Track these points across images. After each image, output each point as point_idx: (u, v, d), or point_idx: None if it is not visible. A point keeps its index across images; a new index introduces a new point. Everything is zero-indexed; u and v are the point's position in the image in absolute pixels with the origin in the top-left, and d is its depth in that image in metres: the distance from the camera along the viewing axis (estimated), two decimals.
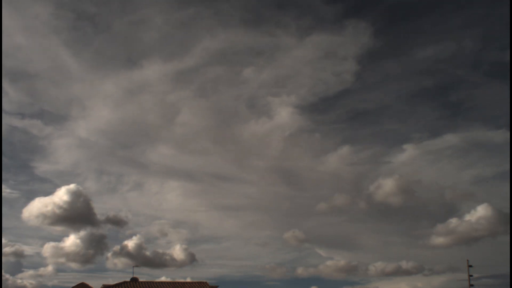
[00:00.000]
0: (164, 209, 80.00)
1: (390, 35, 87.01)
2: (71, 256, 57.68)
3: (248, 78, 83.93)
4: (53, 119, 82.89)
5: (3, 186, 59.94)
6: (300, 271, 70.69)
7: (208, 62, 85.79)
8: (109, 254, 60.25)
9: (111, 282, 41.33)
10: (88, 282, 45.54)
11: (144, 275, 50.82)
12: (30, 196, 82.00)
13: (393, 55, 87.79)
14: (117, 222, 67.38)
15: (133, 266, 44.16)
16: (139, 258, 58.80)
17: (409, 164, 78.83)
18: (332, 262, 70.58)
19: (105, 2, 79.63)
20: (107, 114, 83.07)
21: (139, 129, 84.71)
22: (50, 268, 62.69)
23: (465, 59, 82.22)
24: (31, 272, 63.05)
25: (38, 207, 59.47)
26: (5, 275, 52.79)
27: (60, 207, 58.70)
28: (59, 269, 63.14)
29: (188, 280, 44.68)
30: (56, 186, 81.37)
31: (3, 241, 47.21)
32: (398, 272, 66.24)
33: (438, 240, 66.32)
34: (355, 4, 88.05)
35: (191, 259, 62.88)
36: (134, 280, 41.89)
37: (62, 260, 59.28)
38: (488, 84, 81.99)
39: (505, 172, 72.78)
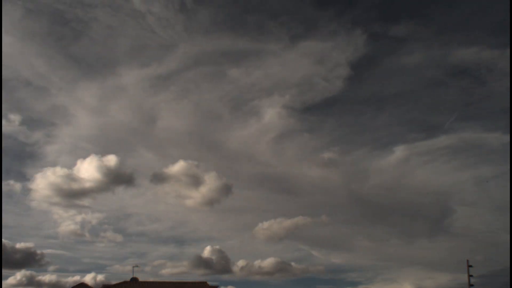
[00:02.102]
0: (162, 211, 79.87)
1: (382, 40, 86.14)
2: None
3: (233, 81, 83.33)
4: (38, 126, 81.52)
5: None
6: (296, 271, 70.92)
7: (191, 66, 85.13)
8: None
9: None
10: None
11: None
12: None
13: (385, 60, 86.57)
14: None
15: (133, 266, 44.29)
16: None
17: (401, 165, 78.66)
18: (328, 262, 70.86)
19: (81, 7, 77.27)
20: (90, 120, 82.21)
21: (124, 135, 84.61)
22: None
23: (458, 61, 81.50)
24: None
25: None
26: None
27: None
28: None
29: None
30: None
31: None
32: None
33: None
34: (347, 10, 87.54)
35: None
36: (134, 280, 42.01)
37: None
38: (482, 87, 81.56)
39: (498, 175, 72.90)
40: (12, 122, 75.65)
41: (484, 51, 78.48)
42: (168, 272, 63.80)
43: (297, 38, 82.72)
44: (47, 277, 60.82)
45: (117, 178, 68.87)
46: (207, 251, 63.95)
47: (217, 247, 65.45)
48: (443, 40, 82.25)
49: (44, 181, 68.36)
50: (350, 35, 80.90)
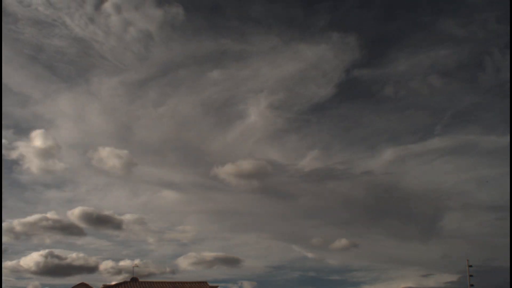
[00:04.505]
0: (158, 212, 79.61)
1: (375, 45, 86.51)
2: None
3: (217, 83, 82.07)
4: (19, 132, 79.80)
5: None
6: (290, 272, 71.22)
7: (171, 70, 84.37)
8: None
9: None
10: None
11: None
12: None
13: (378, 63, 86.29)
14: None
15: (133, 266, 43.91)
16: None
17: (394, 166, 78.81)
18: (325, 264, 71.08)
19: (54, 13, 75.03)
20: (71, 127, 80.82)
21: (105, 143, 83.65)
22: None
23: (452, 63, 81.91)
24: None
25: None
26: None
27: None
28: None
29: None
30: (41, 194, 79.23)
31: None
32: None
33: None
34: (339, 15, 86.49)
35: None
36: (134, 280, 41.69)
37: None
38: (475, 89, 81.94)
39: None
40: None
41: (482, 52, 78.97)
42: None
43: (287, 41, 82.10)
44: None
45: None
46: None
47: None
48: (438, 42, 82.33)
49: None
50: (342, 38, 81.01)
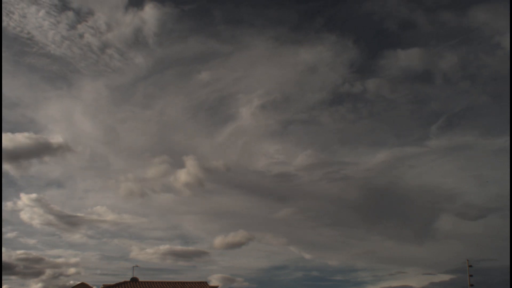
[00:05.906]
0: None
1: (372, 46, 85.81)
2: None
3: (206, 84, 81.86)
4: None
5: None
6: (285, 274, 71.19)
7: (160, 71, 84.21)
8: None
9: None
10: None
11: None
12: None
13: (374, 67, 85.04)
14: None
15: (133, 267, 43.85)
16: None
17: (390, 167, 78.85)
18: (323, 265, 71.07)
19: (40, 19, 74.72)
20: (63, 132, 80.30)
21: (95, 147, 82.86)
22: None
23: (449, 67, 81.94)
24: None
25: None
26: None
27: None
28: None
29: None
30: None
31: None
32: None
33: None
34: (334, 18, 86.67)
35: None
36: (134, 280, 41.65)
37: None
38: (474, 93, 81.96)
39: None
40: None
41: (480, 54, 79.05)
42: None
43: (281, 43, 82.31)
44: None
45: None
46: None
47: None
48: (434, 45, 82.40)
49: None
50: (338, 42, 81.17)
